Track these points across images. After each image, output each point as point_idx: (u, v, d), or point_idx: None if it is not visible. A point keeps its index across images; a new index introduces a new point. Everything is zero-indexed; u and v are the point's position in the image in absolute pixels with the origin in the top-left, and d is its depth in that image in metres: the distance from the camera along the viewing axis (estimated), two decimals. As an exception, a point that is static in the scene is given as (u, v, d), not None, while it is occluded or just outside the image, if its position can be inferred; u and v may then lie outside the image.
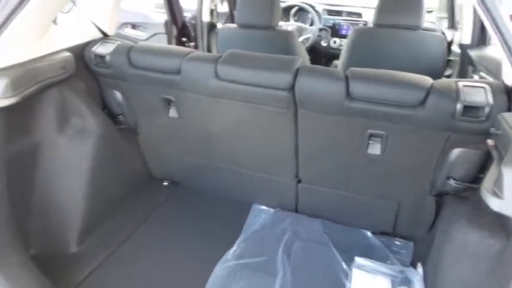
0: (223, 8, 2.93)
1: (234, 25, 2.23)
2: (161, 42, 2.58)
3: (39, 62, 1.22)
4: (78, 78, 1.46)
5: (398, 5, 1.92)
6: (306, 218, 1.65)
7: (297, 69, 1.24)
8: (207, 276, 1.33)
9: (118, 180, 1.65)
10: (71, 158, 1.43)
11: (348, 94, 1.20)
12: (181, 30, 2.63)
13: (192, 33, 2.67)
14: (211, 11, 2.52)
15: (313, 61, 3.25)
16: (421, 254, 1.40)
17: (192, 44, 2.68)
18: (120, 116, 1.66)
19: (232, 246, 1.48)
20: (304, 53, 2.28)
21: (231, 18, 2.87)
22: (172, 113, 1.54)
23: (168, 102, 1.52)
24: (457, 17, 2.10)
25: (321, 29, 3.21)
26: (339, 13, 3.29)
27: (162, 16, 2.58)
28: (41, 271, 1.17)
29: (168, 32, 2.57)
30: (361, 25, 3.15)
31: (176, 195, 1.83)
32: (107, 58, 1.43)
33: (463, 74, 2.05)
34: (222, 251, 1.45)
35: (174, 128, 1.62)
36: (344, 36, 3.19)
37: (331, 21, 3.24)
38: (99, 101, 1.62)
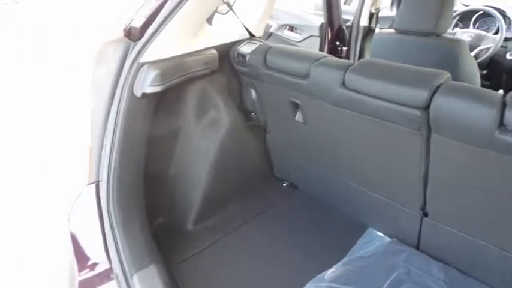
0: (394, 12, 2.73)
1: (392, 30, 2.07)
2: (314, 44, 2.60)
3: (187, 57, 1.39)
4: (221, 74, 1.60)
5: None
6: (425, 258, 1.41)
7: (438, 86, 1.05)
8: (294, 291, 1.29)
9: (240, 172, 1.75)
10: (202, 144, 1.60)
11: (502, 124, 0.94)
12: (336, 33, 2.58)
13: (347, 37, 2.59)
14: (371, 15, 2.38)
15: (489, 77, 2.73)
16: None
17: (345, 48, 2.61)
18: (253, 113, 1.76)
19: (332, 266, 1.39)
20: (473, 67, 1.94)
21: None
22: (298, 117, 1.54)
23: (295, 106, 1.52)
24: None
25: (508, 39, 2.64)
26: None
27: (321, 19, 2.59)
28: (155, 238, 1.35)
29: (322, 35, 2.57)
30: None
31: (293, 198, 1.83)
32: (247, 57, 1.52)
33: None
34: (320, 269, 1.38)
35: (298, 132, 1.61)
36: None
37: None
38: (237, 96, 1.75)
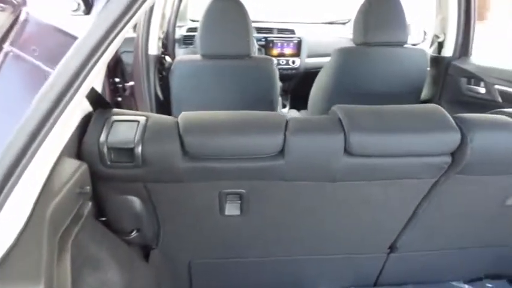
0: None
1: (194, 57, 1.76)
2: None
3: (52, 196, 0.55)
4: None
5: (385, 21, 1.78)
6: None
7: (464, 124, 0.89)
8: None
9: None
10: None
11: None
12: (114, 68, 1.94)
13: (129, 71, 2.01)
14: (159, 41, 1.90)
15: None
16: None
17: (128, 84, 2.01)
18: (133, 233, 1.00)
19: None
20: (278, 82, 1.95)
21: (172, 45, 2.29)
22: (232, 210, 0.99)
23: (225, 197, 0.97)
24: (437, 29, 2.07)
25: None
26: (269, 30, 3.02)
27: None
28: None
29: (99, 73, 1.85)
30: (296, 41, 2.96)
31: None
32: (137, 150, 0.79)
33: (451, 88, 2.02)
34: None
35: (222, 227, 1.06)
36: (278, 55, 2.94)
37: (263, 40, 2.95)
38: (95, 212, 0.93)
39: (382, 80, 1.87)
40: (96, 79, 0.92)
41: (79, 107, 0.84)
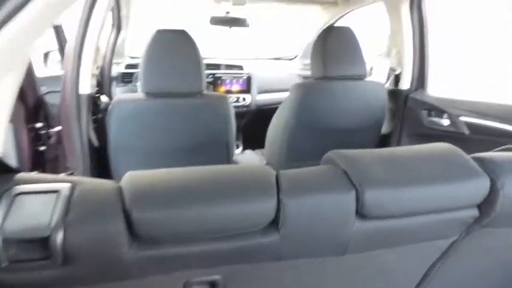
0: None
1: (138, 95, 1.56)
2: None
3: None
4: None
5: (344, 54, 1.72)
6: None
7: (494, 165, 0.72)
8: None
9: None
10: None
11: None
12: (34, 111, 1.60)
13: (54, 114, 1.68)
14: (93, 78, 1.61)
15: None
16: None
17: (54, 130, 1.68)
18: None
19: None
20: (234, 122, 1.79)
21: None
22: None
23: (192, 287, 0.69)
24: (393, 62, 2.03)
25: None
26: (217, 66, 2.86)
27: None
28: None
29: (14, 116, 1.50)
30: (245, 77, 2.82)
31: None
32: (55, 240, 0.50)
33: (412, 121, 1.97)
34: None
35: None
36: (227, 92, 2.78)
37: (211, 76, 2.77)
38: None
39: (343, 114, 1.78)
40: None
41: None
